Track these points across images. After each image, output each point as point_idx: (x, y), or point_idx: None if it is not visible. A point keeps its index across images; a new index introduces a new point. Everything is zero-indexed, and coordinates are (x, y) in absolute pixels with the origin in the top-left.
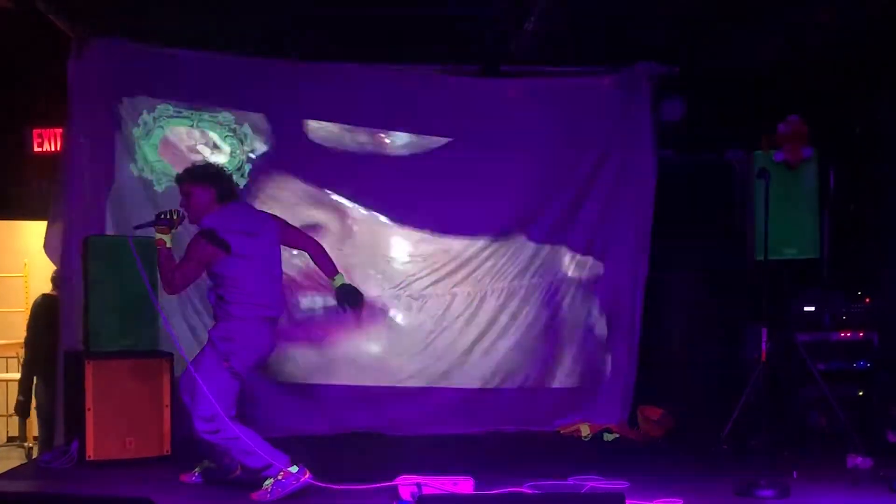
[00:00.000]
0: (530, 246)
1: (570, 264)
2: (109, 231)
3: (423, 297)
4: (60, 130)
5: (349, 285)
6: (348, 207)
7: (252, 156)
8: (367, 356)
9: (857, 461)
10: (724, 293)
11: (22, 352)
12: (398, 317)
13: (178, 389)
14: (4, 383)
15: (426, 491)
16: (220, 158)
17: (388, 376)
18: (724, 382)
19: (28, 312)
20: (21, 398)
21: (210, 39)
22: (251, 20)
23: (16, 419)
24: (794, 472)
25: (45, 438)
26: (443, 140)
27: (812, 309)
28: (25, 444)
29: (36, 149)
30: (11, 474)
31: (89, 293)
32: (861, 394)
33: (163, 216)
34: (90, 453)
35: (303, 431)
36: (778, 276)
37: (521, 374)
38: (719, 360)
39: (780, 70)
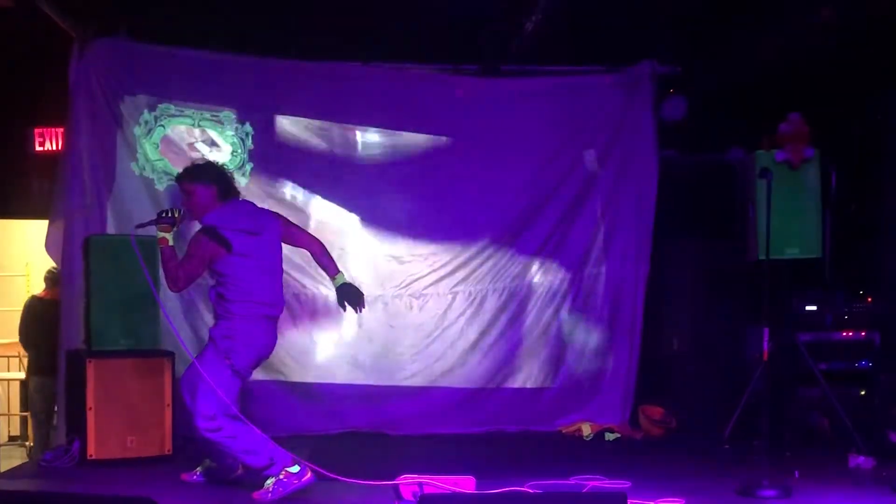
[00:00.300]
0: (531, 245)
1: (572, 263)
2: (111, 230)
3: (424, 297)
4: (62, 130)
5: (350, 285)
6: (350, 207)
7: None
8: (368, 355)
9: (859, 461)
10: (725, 293)
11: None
12: (399, 316)
13: (179, 388)
14: (6, 382)
15: (428, 490)
16: (219, 156)
17: (389, 375)
18: (726, 382)
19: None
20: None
21: (211, 38)
22: (252, 19)
23: (17, 418)
24: (796, 472)
25: (39, 438)
26: (443, 139)
27: (814, 308)
28: (27, 443)
29: (37, 148)
30: (13, 473)
31: (91, 292)
32: (863, 394)
33: (164, 215)
34: (91, 452)
35: (304, 430)
36: (779, 276)
37: (523, 373)
38: (721, 360)
39: (782, 70)
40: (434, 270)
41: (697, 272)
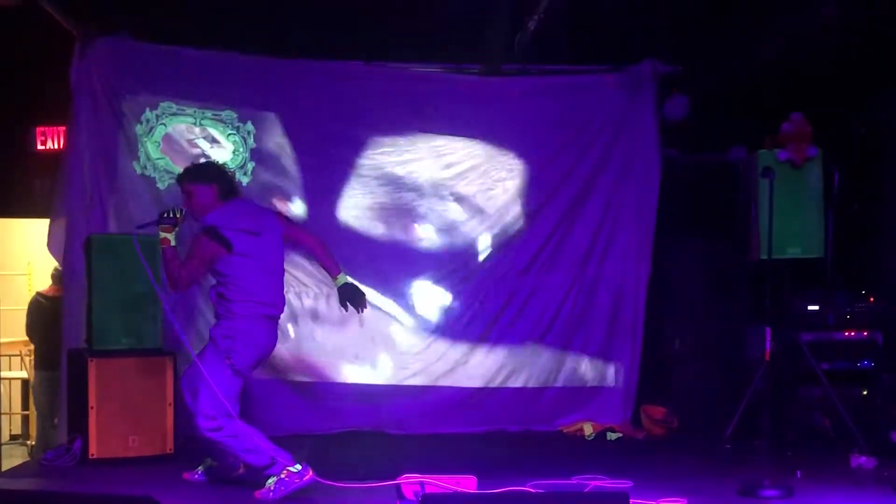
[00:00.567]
0: (533, 245)
1: (573, 263)
2: (112, 229)
3: (426, 296)
4: (64, 129)
5: (351, 284)
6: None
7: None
8: (369, 354)
9: (861, 461)
10: (727, 292)
11: (25, 349)
12: (400, 315)
13: (180, 387)
14: (8, 381)
15: (429, 490)
16: (219, 153)
17: (390, 375)
18: (728, 382)
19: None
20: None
21: (213, 38)
22: (254, 18)
23: (18, 417)
24: (798, 472)
25: (42, 433)
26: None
27: (816, 308)
28: (28, 442)
29: (39, 147)
30: (14, 472)
31: (93, 291)
32: (865, 393)
33: (166, 215)
34: (93, 451)
35: (305, 430)
36: (781, 276)
37: (524, 373)
38: (723, 360)
39: (784, 69)
40: (436, 269)
41: (699, 272)
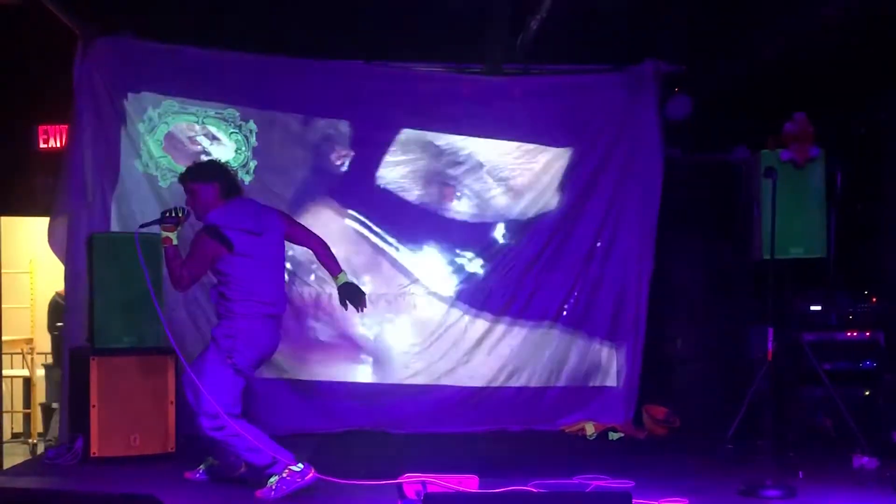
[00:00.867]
0: (535, 244)
1: (575, 262)
2: (114, 227)
3: (428, 295)
4: (66, 127)
5: (352, 284)
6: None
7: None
8: (370, 354)
9: (863, 461)
10: (729, 292)
11: (26, 347)
12: (402, 314)
13: (182, 386)
14: (9, 379)
15: (431, 489)
16: (221, 150)
17: (392, 374)
18: (730, 382)
19: (35, 309)
20: None
21: (215, 37)
22: (257, 17)
23: (20, 415)
24: (800, 473)
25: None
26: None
27: (818, 308)
28: (30, 440)
29: (42, 145)
30: (16, 470)
31: (94, 290)
32: (867, 394)
33: (168, 214)
34: (95, 450)
35: (307, 429)
36: (784, 276)
37: (526, 372)
38: (725, 360)
39: (786, 69)
40: (438, 268)
41: (701, 271)
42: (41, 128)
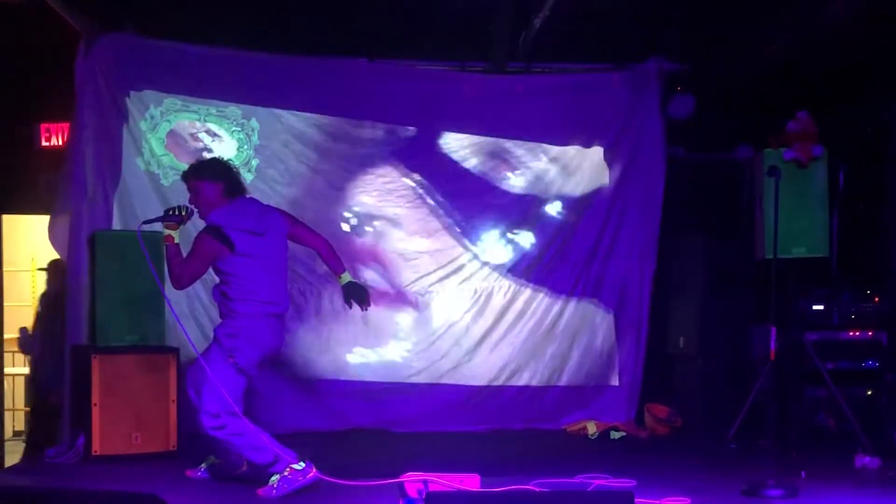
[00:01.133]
0: (537, 243)
1: (578, 261)
2: (116, 225)
3: (430, 294)
4: (68, 125)
5: (355, 283)
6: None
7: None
8: (373, 352)
9: (866, 461)
10: (732, 291)
11: None
12: (404, 313)
13: (184, 384)
14: (11, 378)
15: (433, 488)
16: (222, 148)
17: (394, 373)
18: (732, 381)
19: (37, 307)
20: None
21: (218, 35)
22: (259, 16)
23: (21, 414)
24: (802, 472)
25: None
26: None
27: (821, 308)
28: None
29: (44, 143)
30: (17, 469)
31: (96, 288)
32: (869, 393)
33: (171, 212)
34: (96, 448)
35: (308, 428)
36: (787, 275)
37: (528, 371)
38: (727, 359)
39: (790, 68)
40: (440, 267)
41: (704, 270)
42: (43, 126)
